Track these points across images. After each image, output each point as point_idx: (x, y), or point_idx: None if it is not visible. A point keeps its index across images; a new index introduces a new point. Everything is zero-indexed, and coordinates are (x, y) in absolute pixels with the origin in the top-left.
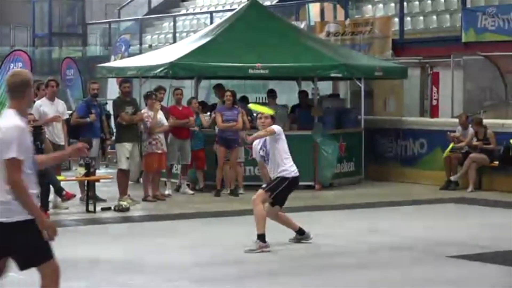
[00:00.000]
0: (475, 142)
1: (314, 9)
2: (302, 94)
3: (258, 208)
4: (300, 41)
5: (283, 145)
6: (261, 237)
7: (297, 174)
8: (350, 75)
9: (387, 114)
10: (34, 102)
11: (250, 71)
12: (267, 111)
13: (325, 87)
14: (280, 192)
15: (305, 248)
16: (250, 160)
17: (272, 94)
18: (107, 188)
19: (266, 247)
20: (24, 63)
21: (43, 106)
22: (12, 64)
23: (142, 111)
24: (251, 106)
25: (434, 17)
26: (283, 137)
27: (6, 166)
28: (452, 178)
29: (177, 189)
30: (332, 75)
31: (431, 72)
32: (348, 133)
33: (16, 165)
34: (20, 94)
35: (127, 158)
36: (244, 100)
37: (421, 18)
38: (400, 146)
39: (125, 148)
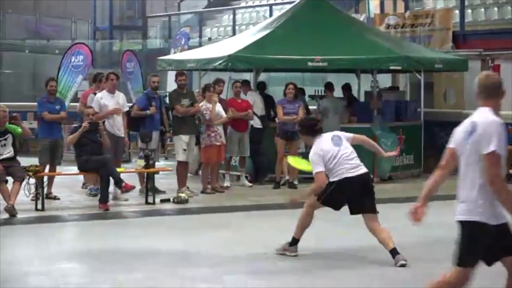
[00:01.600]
0: None
1: (373, 1)
2: (345, 88)
3: (302, 211)
4: (360, 34)
5: (329, 164)
6: (293, 241)
7: (345, 176)
8: (409, 67)
9: (447, 107)
10: (95, 94)
11: (309, 63)
12: (306, 167)
13: (384, 80)
14: (327, 195)
15: (361, 240)
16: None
17: (329, 87)
18: (166, 180)
19: (291, 251)
20: (85, 56)
21: (104, 98)
22: (73, 57)
23: (200, 104)
24: (290, 161)
25: (496, 9)
26: (327, 157)
27: (486, 160)
28: (511, 171)
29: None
30: (391, 67)
31: (492, 64)
32: (407, 126)
33: (496, 159)
34: (496, 94)
35: (184, 150)
36: (301, 93)
37: (482, 10)
38: None
39: (182, 141)
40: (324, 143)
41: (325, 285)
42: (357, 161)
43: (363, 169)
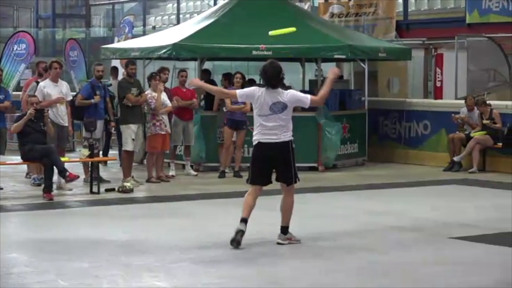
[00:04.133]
0: (484, 121)
1: None
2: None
3: (246, 197)
4: (304, 23)
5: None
6: (241, 219)
7: (258, 140)
8: (353, 56)
9: (391, 96)
10: (38, 83)
11: (254, 52)
12: (289, 30)
13: (328, 68)
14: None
15: (309, 229)
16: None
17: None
18: (111, 169)
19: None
20: (27, 44)
21: (47, 87)
22: (15, 46)
23: (146, 92)
24: (272, 33)
25: None
26: (255, 103)
27: None
28: (455, 158)
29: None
30: (336, 56)
31: (435, 53)
32: (351, 115)
33: None
34: None
35: (133, 139)
36: (250, 82)
37: None
38: (404, 127)
39: (131, 130)
40: (265, 97)
41: (271, 275)
42: (280, 133)
43: (280, 139)
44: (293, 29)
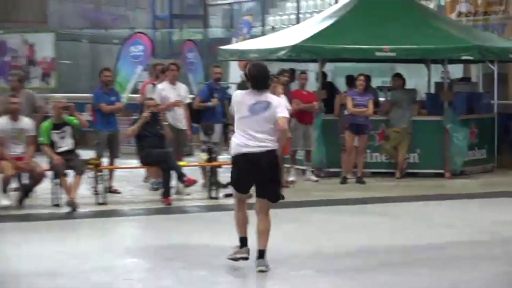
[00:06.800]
0: None
1: None
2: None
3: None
4: (429, 22)
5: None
6: (241, 241)
7: (238, 151)
8: (482, 57)
9: None
10: (154, 85)
11: (377, 53)
12: None
13: (455, 70)
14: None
15: (429, 239)
16: (377, 146)
17: (398, 78)
18: (229, 175)
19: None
20: (144, 45)
21: (165, 90)
22: (132, 47)
23: None
24: None
25: None
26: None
27: None
28: None
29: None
30: (463, 57)
31: None
32: (480, 119)
33: None
34: None
35: None
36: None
37: None
38: None
39: None
40: (245, 97)
41: None
42: (258, 140)
43: (260, 148)
44: None
